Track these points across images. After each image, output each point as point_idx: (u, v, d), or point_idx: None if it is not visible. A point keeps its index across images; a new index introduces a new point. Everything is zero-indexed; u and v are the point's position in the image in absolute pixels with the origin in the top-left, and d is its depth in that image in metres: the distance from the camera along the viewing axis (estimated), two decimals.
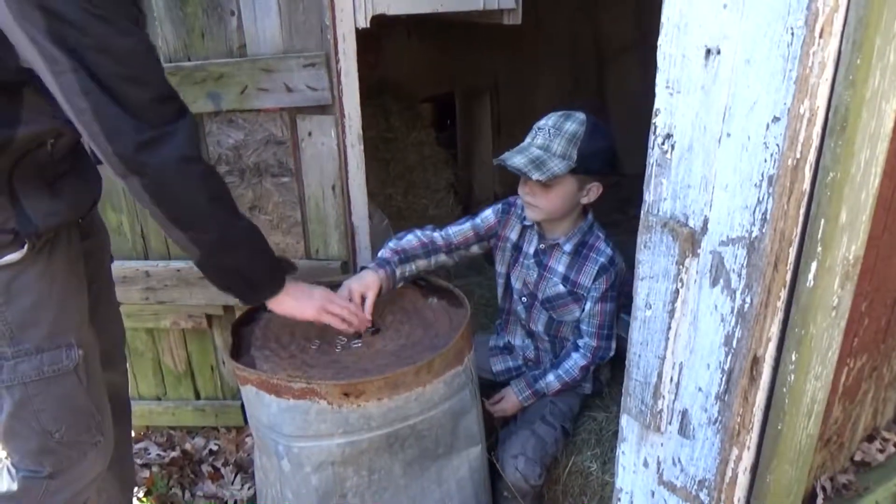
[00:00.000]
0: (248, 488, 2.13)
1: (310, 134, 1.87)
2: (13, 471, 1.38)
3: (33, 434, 1.33)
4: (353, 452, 1.46)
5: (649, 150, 1.14)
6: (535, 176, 1.60)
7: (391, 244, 1.78)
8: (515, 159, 1.64)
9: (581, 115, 1.67)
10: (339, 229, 1.98)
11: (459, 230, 1.86)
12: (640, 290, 1.21)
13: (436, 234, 1.82)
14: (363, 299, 1.62)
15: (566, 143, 1.63)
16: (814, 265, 1.02)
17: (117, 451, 1.71)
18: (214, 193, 1.26)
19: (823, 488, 1.52)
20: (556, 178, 1.62)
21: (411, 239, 1.80)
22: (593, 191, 1.71)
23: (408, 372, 1.42)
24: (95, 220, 1.58)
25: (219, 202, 1.27)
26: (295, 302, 1.47)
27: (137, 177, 1.16)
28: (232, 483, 2.17)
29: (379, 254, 1.77)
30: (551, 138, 1.64)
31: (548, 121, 1.68)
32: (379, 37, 3.21)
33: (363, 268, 1.72)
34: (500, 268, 1.93)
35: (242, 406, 2.27)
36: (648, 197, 1.16)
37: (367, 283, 1.64)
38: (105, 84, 1.08)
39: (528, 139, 1.70)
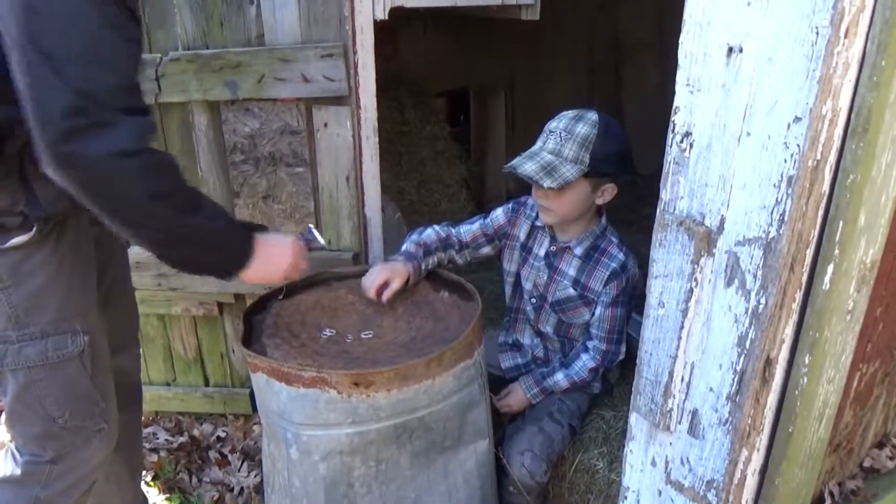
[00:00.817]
0: (255, 476, 2.14)
1: (325, 125, 1.87)
2: (17, 455, 1.39)
3: (37, 418, 1.33)
4: (362, 442, 1.46)
5: (667, 148, 1.13)
6: (547, 184, 1.58)
7: (414, 237, 1.82)
8: (526, 166, 1.61)
9: (593, 116, 1.63)
10: (352, 220, 1.98)
11: (469, 229, 1.89)
12: (654, 289, 1.21)
13: (451, 231, 1.88)
14: (386, 284, 1.66)
15: (578, 147, 1.60)
16: (830, 268, 1.01)
17: (126, 436, 1.71)
18: (157, 190, 1.15)
19: (831, 493, 1.52)
20: (569, 183, 1.60)
21: (430, 234, 1.84)
22: (608, 192, 1.69)
23: (418, 364, 1.42)
24: None
25: (163, 200, 1.17)
26: (262, 274, 1.37)
27: (66, 170, 1.07)
28: (238, 470, 2.18)
29: (403, 247, 1.80)
30: (563, 142, 1.61)
31: (559, 123, 1.65)
32: (396, 30, 3.22)
33: (384, 260, 1.77)
34: (509, 266, 1.93)
35: (251, 394, 2.29)
36: (665, 195, 1.16)
37: (396, 270, 1.68)
38: (57, 62, 1.01)
39: (539, 143, 1.67)
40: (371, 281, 1.67)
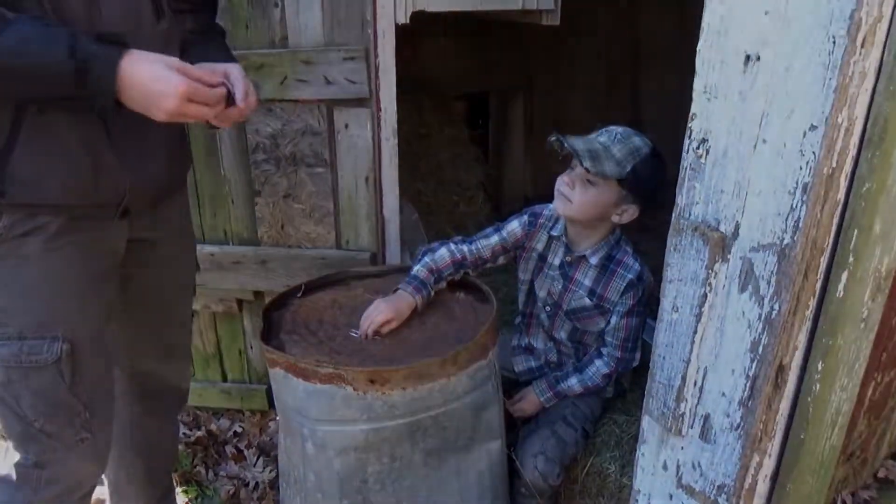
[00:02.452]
0: (270, 471, 2.17)
1: (346, 126, 1.90)
2: (12, 454, 1.36)
3: (16, 418, 1.30)
4: (376, 439, 1.48)
5: (683, 154, 1.14)
6: (587, 164, 1.59)
7: (427, 260, 1.76)
8: (576, 143, 1.63)
9: (649, 141, 1.67)
10: (370, 221, 2.01)
11: (488, 244, 1.85)
12: (668, 293, 1.22)
13: (465, 250, 1.82)
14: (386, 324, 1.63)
15: (626, 153, 1.62)
16: (844, 275, 1.02)
17: (149, 439, 1.73)
18: None
19: (844, 503, 1.51)
20: (604, 177, 1.62)
21: (444, 256, 1.78)
22: (627, 213, 1.69)
23: (433, 363, 1.44)
24: (163, 246, 1.45)
25: None
26: (141, 106, 1.10)
27: None
28: (254, 465, 2.21)
29: (415, 269, 1.74)
30: (615, 142, 1.64)
31: (617, 127, 1.69)
32: (416, 33, 3.24)
33: (397, 289, 1.69)
34: (524, 275, 1.94)
35: (267, 390, 2.32)
36: (681, 201, 1.17)
37: (400, 310, 1.63)
38: None
39: (592, 135, 1.69)
40: (373, 319, 1.61)
